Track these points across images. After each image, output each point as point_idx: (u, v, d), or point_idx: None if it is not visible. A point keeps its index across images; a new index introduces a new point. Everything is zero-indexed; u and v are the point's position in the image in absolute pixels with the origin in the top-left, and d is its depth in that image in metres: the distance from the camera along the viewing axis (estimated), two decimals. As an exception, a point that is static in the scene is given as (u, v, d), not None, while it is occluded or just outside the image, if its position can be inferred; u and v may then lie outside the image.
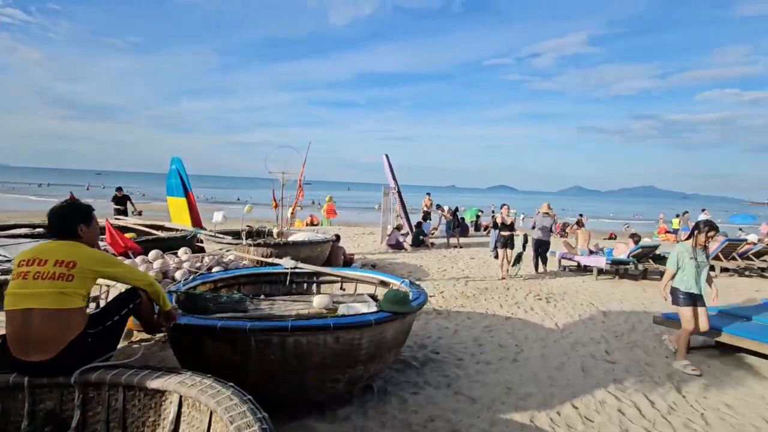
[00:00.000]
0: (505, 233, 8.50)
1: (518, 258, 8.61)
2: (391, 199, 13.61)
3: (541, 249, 9.15)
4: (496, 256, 9.54)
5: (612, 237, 18.83)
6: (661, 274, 6.53)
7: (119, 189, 10.06)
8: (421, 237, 12.31)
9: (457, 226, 13.17)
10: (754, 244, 10.89)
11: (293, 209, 8.19)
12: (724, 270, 10.06)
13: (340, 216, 18.71)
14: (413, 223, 12.89)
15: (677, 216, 20.34)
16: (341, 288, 4.77)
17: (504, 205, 9.13)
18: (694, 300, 4.32)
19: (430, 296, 6.35)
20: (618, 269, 9.17)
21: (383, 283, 4.46)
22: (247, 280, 4.56)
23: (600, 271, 8.98)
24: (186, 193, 7.77)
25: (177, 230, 7.19)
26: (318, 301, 3.93)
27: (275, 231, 8.13)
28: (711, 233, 4.26)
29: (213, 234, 7.04)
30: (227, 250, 6.03)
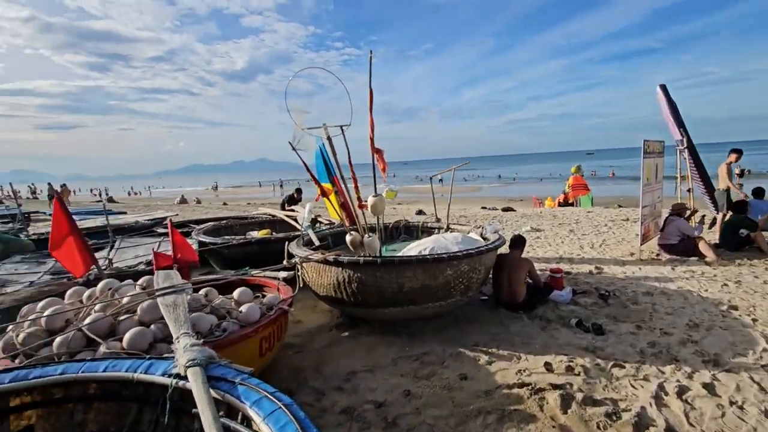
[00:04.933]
0: None
1: None
2: (680, 161, 7.46)
3: None
4: None
5: None
6: None
7: (299, 191, 8.94)
8: (742, 233, 6.01)
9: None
10: None
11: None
12: None
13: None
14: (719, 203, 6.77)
15: None
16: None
17: None
18: None
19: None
20: None
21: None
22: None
23: None
24: (330, 177, 5.68)
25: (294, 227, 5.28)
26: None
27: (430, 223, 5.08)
28: None
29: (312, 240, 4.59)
30: (301, 260, 3.49)
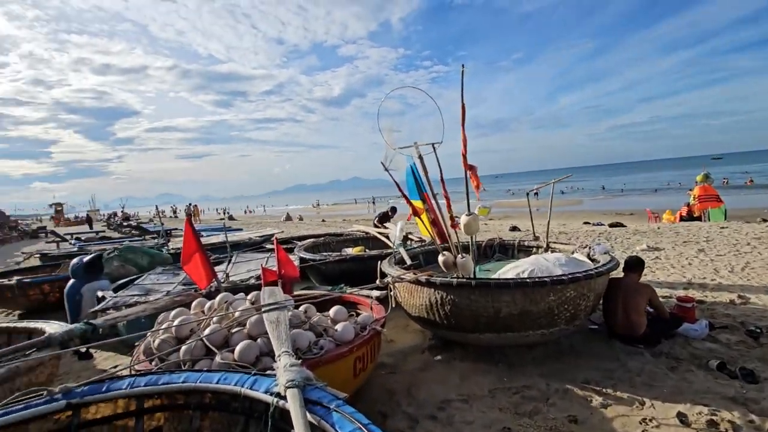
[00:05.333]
0: None
1: None
2: None
3: None
4: None
5: None
6: None
7: (393, 209, 8.99)
8: None
9: None
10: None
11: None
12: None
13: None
14: None
15: None
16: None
17: None
18: None
19: None
20: None
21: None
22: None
23: None
24: (420, 194, 5.64)
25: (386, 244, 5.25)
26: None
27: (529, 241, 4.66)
28: None
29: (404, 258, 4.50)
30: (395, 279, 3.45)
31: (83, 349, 2.41)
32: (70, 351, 2.36)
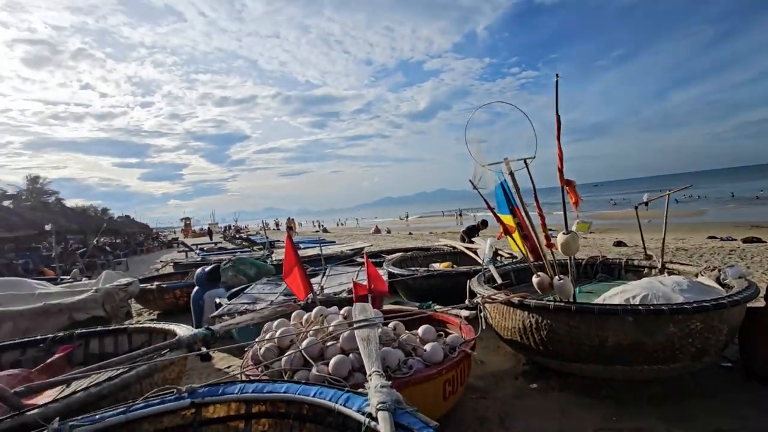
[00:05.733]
0: None
1: None
2: None
3: None
4: None
5: None
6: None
7: (484, 223, 8.65)
8: None
9: None
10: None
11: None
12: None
13: None
14: None
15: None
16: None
17: None
18: None
19: None
20: None
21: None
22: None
23: None
24: (511, 208, 5.36)
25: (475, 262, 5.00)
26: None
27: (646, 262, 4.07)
28: None
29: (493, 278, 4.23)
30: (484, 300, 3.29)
31: (204, 351, 2.72)
32: (194, 354, 2.70)
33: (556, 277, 2.87)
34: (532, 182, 2.70)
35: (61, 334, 3.43)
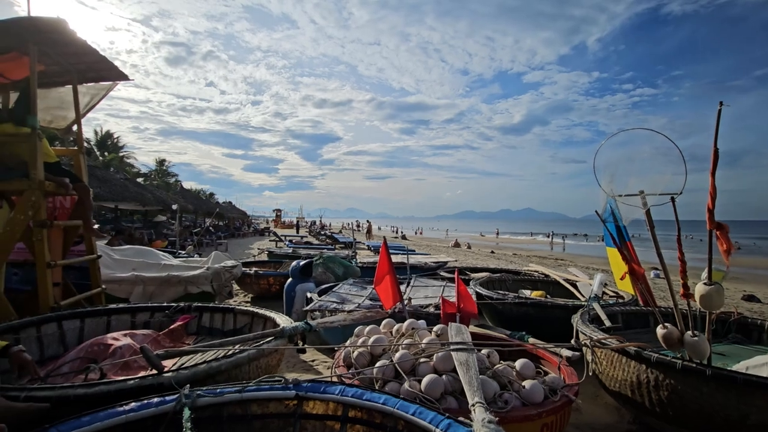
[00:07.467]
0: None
1: None
2: None
3: None
4: None
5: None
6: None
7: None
8: None
9: None
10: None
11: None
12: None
13: None
14: None
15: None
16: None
17: None
18: None
19: None
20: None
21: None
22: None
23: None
24: (622, 242, 4.84)
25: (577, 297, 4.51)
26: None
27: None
28: None
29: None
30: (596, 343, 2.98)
31: (303, 347, 2.87)
32: (292, 347, 2.87)
33: (689, 332, 2.49)
34: (677, 221, 2.37)
35: (182, 304, 3.90)
